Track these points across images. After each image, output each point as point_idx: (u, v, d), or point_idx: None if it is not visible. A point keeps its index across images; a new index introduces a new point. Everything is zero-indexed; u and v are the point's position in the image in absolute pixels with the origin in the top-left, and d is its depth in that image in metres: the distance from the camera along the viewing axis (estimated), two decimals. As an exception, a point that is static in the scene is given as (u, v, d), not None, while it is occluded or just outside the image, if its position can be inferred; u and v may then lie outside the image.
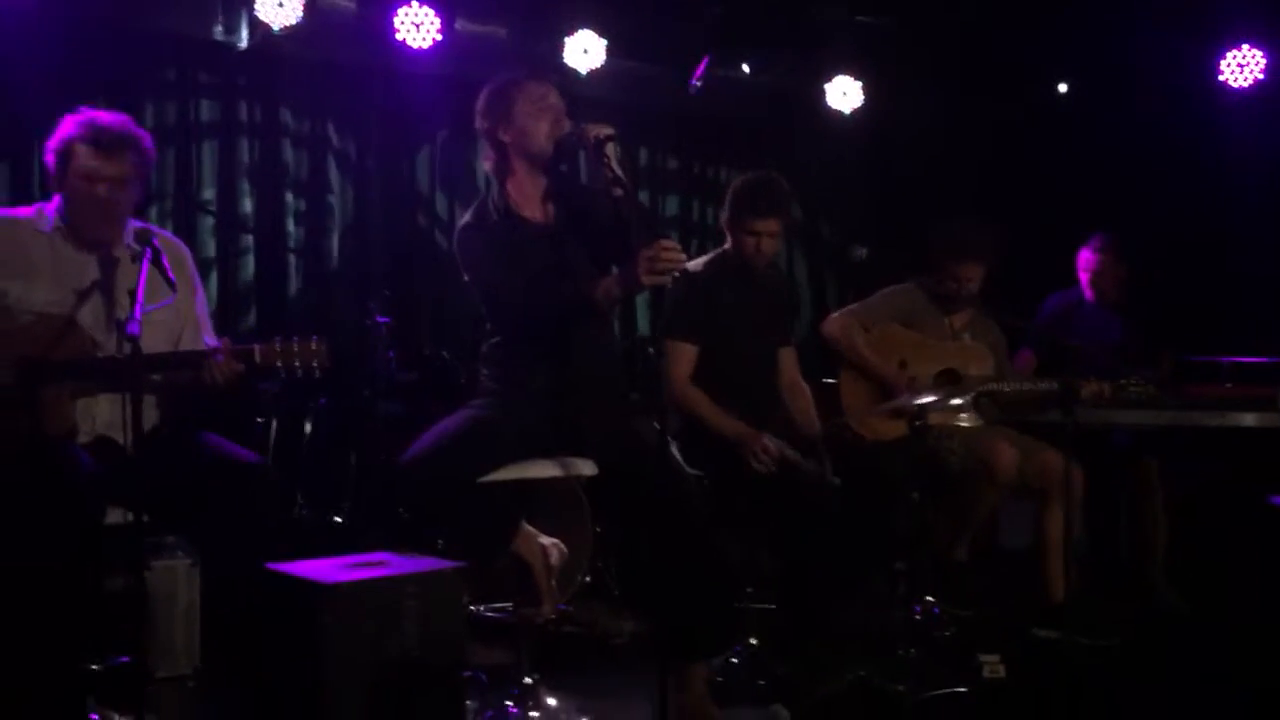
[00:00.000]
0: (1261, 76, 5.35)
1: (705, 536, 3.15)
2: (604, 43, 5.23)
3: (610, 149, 2.97)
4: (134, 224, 3.21)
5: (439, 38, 4.87)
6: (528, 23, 5.21)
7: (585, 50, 5.21)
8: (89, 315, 3.11)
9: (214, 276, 4.98)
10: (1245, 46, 5.35)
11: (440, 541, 3.58)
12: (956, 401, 4.29)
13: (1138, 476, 4.77)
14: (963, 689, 3.45)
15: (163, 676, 3.25)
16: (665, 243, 2.80)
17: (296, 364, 3.02)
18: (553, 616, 3.78)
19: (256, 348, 3.04)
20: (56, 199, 3.19)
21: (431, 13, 4.84)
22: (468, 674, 3.21)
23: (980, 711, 3.43)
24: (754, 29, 5.66)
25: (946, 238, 4.33)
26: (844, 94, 5.87)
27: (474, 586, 3.35)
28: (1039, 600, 4.27)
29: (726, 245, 4.01)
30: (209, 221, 4.98)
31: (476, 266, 3.21)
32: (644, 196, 6.11)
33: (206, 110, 5.02)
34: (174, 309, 3.13)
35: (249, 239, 5.08)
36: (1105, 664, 3.86)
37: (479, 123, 3.24)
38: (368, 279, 5.32)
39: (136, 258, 2.91)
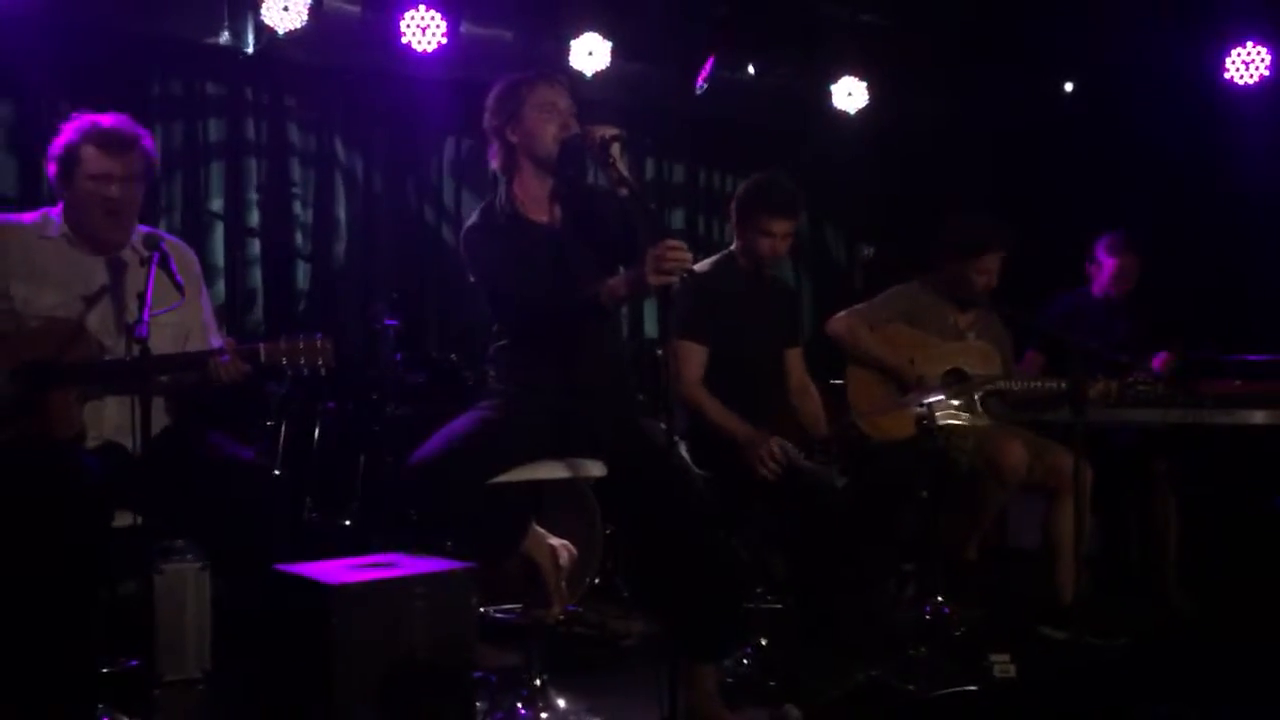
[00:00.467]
0: (1267, 73, 5.34)
1: (714, 537, 3.14)
2: (609, 45, 5.23)
3: (616, 150, 2.97)
4: (142, 229, 3.22)
5: (444, 41, 4.88)
6: (533, 25, 5.22)
7: (590, 53, 5.22)
8: (96, 320, 3.12)
9: (222, 280, 4.99)
10: (1249, 44, 5.34)
11: (449, 543, 3.57)
12: (964, 400, 4.30)
13: (1147, 476, 4.75)
14: (973, 688, 3.44)
15: (172, 679, 3.26)
16: (672, 242, 2.79)
17: (302, 362, 3.02)
18: (562, 618, 3.78)
19: (262, 346, 3.04)
20: (60, 205, 3.20)
21: (438, 16, 4.85)
22: (477, 675, 3.21)
23: (991, 711, 3.42)
24: (759, 30, 5.66)
25: (964, 232, 4.33)
26: (849, 94, 5.87)
27: (483, 588, 3.35)
28: (1049, 600, 4.26)
29: (734, 247, 4.00)
30: (216, 226, 5.00)
31: (483, 268, 3.21)
32: (649, 197, 6.12)
33: (213, 115, 5.04)
34: (182, 313, 3.14)
35: (256, 242, 5.09)
36: (1116, 664, 3.85)
37: (488, 120, 3.24)
38: (375, 282, 5.34)
39: (144, 262, 2.92)
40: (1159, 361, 4.46)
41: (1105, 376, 4.10)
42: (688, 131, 6.23)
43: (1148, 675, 3.79)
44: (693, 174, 6.41)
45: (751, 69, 5.82)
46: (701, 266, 3.88)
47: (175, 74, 4.94)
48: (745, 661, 3.67)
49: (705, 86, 5.49)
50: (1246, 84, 5.38)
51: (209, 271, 4.82)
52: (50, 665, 2.82)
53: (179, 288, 2.95)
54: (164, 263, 2.90)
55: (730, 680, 3.55)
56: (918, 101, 6.14)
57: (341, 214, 5.35)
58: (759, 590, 3.89)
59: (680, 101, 5.64)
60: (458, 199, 5.64)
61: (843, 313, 4.48)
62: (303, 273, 5.24)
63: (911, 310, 4.43)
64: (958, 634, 4.11)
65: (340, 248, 5.34)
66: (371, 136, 5.44)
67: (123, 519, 2.90)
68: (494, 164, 3.29)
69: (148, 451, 2.69)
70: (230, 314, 5.00)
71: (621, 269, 3.06)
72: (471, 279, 3.25)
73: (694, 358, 3.79)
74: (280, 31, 4.59)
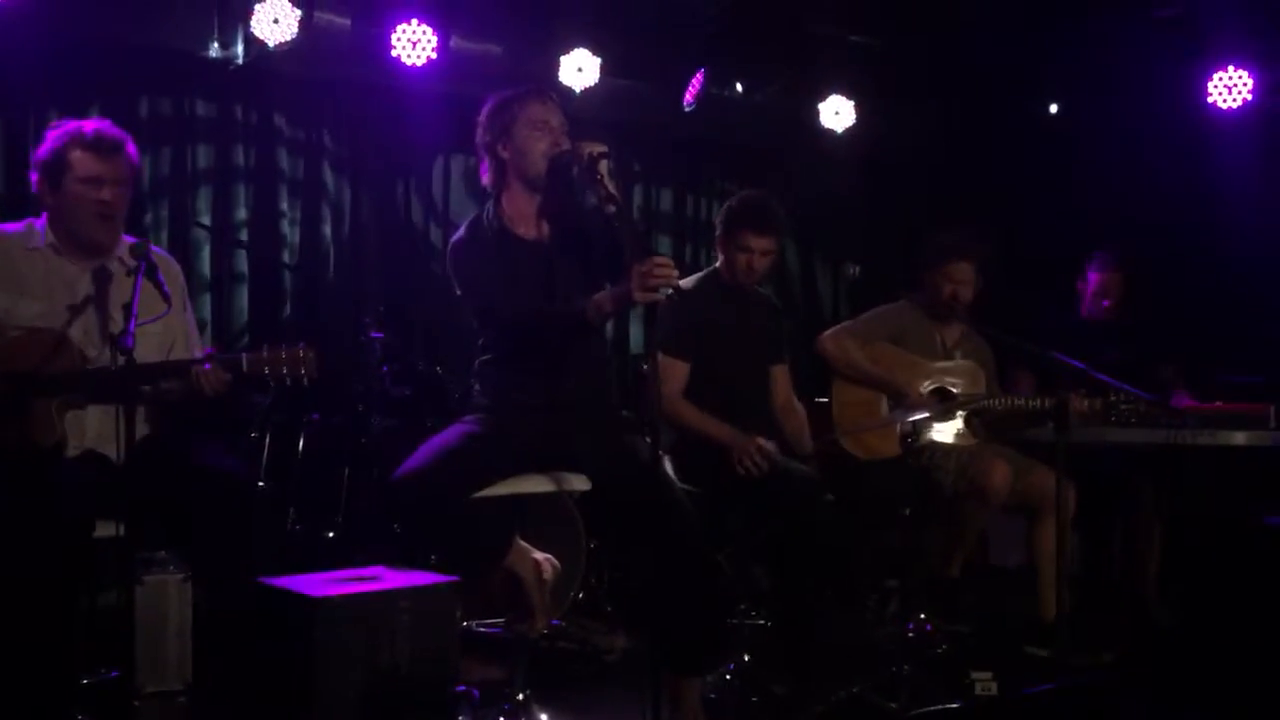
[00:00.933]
0: (1250, 98, 5.39)
1: (698, 552, 3.15)
2: (598, 61, 5.25)
3: (604, 166, 2.99)
4: (128, 239, 3.22)
5: (434, 56, 4.89)
6: (523, 41, 5.23)
7: (580, 69, 5.23)
8: (80, 330, 3.11)
9: (208, 292, 4.98)
10: (1231, 68, 5.39)
11: (434, 556, 3.57)
12: (948, 420, 4.32)
13: (1130, 495, 4.77)
14: (955, 705, 3.45)
15: (153, 691, 3.24)
16: (658, 259, 2.81)
17: (284, 371, 3.02)
18: (545, 632, 3.78)
19: (244, 356, 3.04)
20: (45, 216, 3.19)
21: (429, 30, 4.86)
22: (460, 689, 3.21)
23: (973, 728, 3.43)
24: (747, 48, 5.69)
25: (933, 242, 4.40)
26: (837, 113, 5.90)
27: (467, 602, 3.34)
28: (1031, 618, 4.28)
29: (718, 263, 4.03)
30: (204, 237, 4.99)
31: (470, 282, 3.22)
32: (637, 214, 6.13)
33: (202, 126, 5.04)
34: (167, 323, 3.14)
35: (243, 254, 5.09)
36: (1098, 682, 3.85)
37: (480, 136, 3.26)
38: (362, 295, 5.33)
39: (131, 272, 2.92)
40: (1181, 403, 4.48)
41: (1088, 394, 4.12)
42: (675, 148, 6.25)
43: (1130, 693, 3.80)
44: (679, 191, 6.43)
45: (740, 87, 5.84)
46: (686, 283, 3.89)
47: (164, 85, 4.93)
48: (728, 677, 3.67)
49: (694, 104, 5.51)
50: (1230, 108, 5.43)
51: (196, 283, 4.82)
52: (29, 676, 2.80)
53: (165, 297, 2.95)
54: (151, 272, 2.90)
55: (713, 696, 3.55)
56: (905, 121, 6.17)
57: (329, 226, 5.35)
58: (743, 606, 3.89)
59: (668, 118, 5.65)
60: (446, 212, 5.64)
61: (832, 330, 4.51)
62: (290, 285, 5.23)
63: (899, 329, 4.46)
64: (940, 651, 4.12)
65: (328, 260, 5.34)
66: (360, 149, 5.44)
67: (105, 529, 2.88)
68: (485, 180, 3.30)
69: (130, 461, 2.68)
70: (217, 326, 4.99)
71: (608, 285, 3.07)
72: (458, 293, 3.26)
73: (675, 373, 3.81)
74: (270, 44, 4.59)
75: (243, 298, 5.08)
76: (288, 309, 5.20)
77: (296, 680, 2.89)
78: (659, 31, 5.52)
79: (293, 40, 4.59)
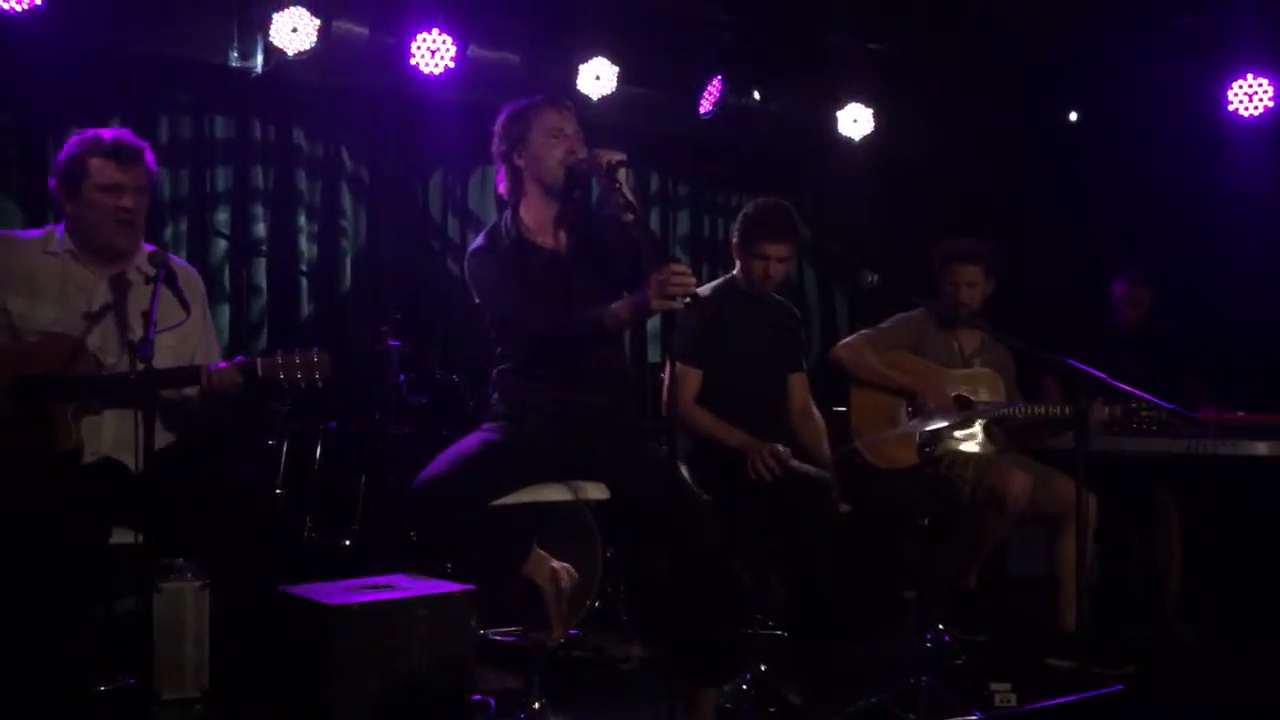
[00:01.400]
0: (1271, 105, 5.36)
1: (715, 561, 3.14)
2: (616, 69, 5.25)
3: (622, 175, 2.99)
4: (147, 247, 3.23)
5: (452, 65, 4.90)
6: (541, 49, 5.23)
7: (598, 77, 5.24)
8: (97, 337, 3.12)
9: (227, 300, 5.00)
10: (1250, 75, 5.36)
11: (451, 564, 3.57)
12: (967, 428, 4.30)
13: (1151, 505, 4.74)
14: (974, 717, 3.42)
15: (170, 698, 3.25)
16: (676, 267, 2.81)
17: (298, 375, 3.02)
18: (561, 640, 3.77)
19: (259, 361, 3.04)
20: (63, 223, 3.21)
21: (448, 39, 4.87)
22: (476, 698, 3.21)
23: (992, 741, 3.40)
24: (765, 57, 5.69)
25: (943, 246, 4.41)
26: (855, 121, 5.89)
27: (484, 610, 3.34)
28: (1052, 629, 4.25)
29: (735, 270, 4.02)
30: (222, 246, 5.01)
31: (487, 291, 3.22)
32: (655, 222, 6.13)
33: (221, 135, 5.06)
34: (186, 332, 3.14)
35: (262, 263, 5.10)
36: (1119, 695, 3.82)
37: (495, 146, 3.26)
38: (380, 303, 5.34)
39: (149, 280, 2.93)
40: (1210, 415, 4.45)
41: (1108, 402, 4.10)
42: (693, 156, 6.25)
43: (1151, 707, 3.76)
44: (697, 198, 6.43)
45: (758, 95, 5.84)
46: (703, 290, 3.89)
47: (184, 94, 4.96)
48: (744, 687, 3.65)
49: (712, 111, 5.51)
50: (1251, 116, 5.40)
51: (213, 289, 4.84)
52: (46, 683, 2.80)
53: (184, 305, 2.95)
54: (170, 280, 2.91)
55: (729, 706, 3.54)
56: (923, 129, 6.16)
57: (347, 235, 5.37)
58: (759, 615, 3.87)
59: (686, 126, 5.65)
60: (463, 221, 5.65)
61: (848, 338, 4.50)
62: (308, 293, 5.24)
63: (917, 337, 4.44)
64: (959, 662, 4.10)
65: (345, 268, 5.35)
66: (378, 157, 5.46)
67: (123, 536, 2.89)
68: (500, 189, 3.30)
69: (148, 468, 2.68)
70: (235, 334, 5.01)
71: (625, 293, 3.07)
72: (476, 301, 3.26)
73: (688, 380, 3.81)
74: (290, 53, 4.61)
75: (261, 307, 5.10)
76: (305, 317, 5.21)
77: (312, 688, 2.89)
78: (677, 40, 5.52)
79: (311, 49, 4.61)
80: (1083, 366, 3.48)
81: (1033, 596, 4.51)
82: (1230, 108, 5.41)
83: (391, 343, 4.60)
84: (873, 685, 3.60)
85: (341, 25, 4.79)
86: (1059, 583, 4.26)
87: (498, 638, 3.94)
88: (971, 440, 4.33)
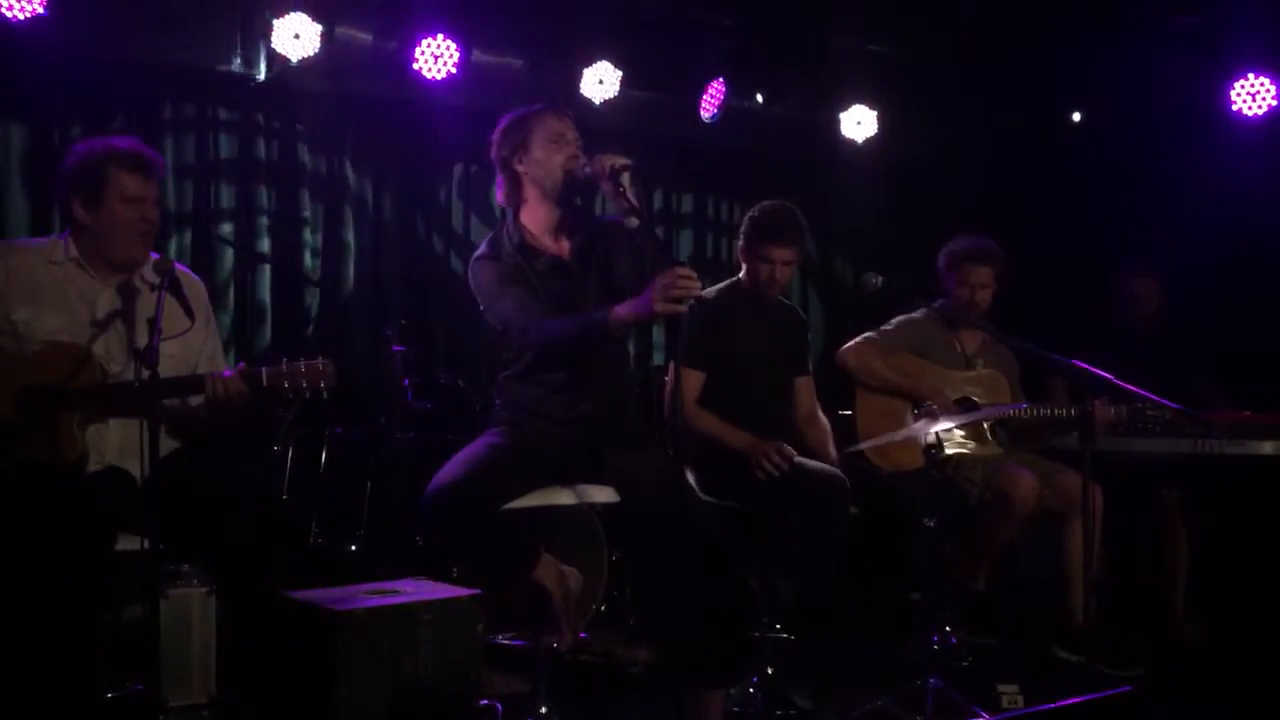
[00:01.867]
0: (1274, 104, 5.36)
1: (721, 564, 3.13)
2: (619, 73, 5.26)
3: (626, 179, 2.99)
4: (152, 255, 3.23)
5: (455, 70, 4.90)
6: (544, 54, 5.24)
7: (601, 81, 5.24)
8: (102, 345, 3.12)
9: (230, 307, 5.01)
10: (1252, 75, 5.36)
11: (460, 569, 3.57)
12: (972, 429, 4.30)
13: (1157, 506, 4.73)
14: (982, 719, 3.42)
15: (177, 705, 3.25)
16: (681, 270, 2.80)
17: (304, 385, 3.02)
18: (570, 645, 3.77)
19: (264, 370, 3.04)
20: (68, 231, 3.20)
21: (452, 45, 4.87)
22: (483, 702, 3.21)
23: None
24: (769, 59, 5.69)
25: (953, 247, 4.42)
26: (859, 123, 5.89)
27: (490, 615, 3.34)
28: (1060, 622, 4.24)
29: (740, 274, 4.02)
30: (227, 252, 5.02)
31: (491, 297, 3.22)
32: (658, 226, 6.13)
33: (224, 142, 5.07)
34: (191, 341, 3.15)
35: (266, 268, 5.11)
36: (1127, 695, 3.81)
37: (495, 152, 3.26)
38: (384, 308, 5.35)
39: (155, 288, 2.93)
40: (1220, 416, 4.45)
41: (1113, 402, 4.09)
42: (697, 159, 6.25)
43: (1158, 707, 3.75)
44: (701, 202, 6.43)
45: (761, 97, 5.84)
46: (708, 293, 3.89)
47: (187, 100, 4.97)
48: (751, 690, 3.65)
49: (715, 114, 5.51)
50: (1255, 115, 5.39)
51: (217, 296, 4.85)
52: (54, 690, 2.81)
53: (189, 313, 2.96)
54: (175, 288, 2.91)
55: (736, 709, 3.54)
56: (926, 130, 6.15)
57: (351, 240, 5.37)
58: (766, 619, 3.87)
59: (689, 130, 5.65)
60: (467, 226, 5.66)
61: (853, 341, 4.49)
62: (312, 299, 5.25)
63: (921, 339, 4.44)
64: (966, 664, 4.09)
65: (349, 274, 5.36)
66: (381, 163, 5.47)
67: (129, 543, 2.90)
68: (499, 197, 3.30)
69: (154, 476, 2.69)
70: (239, 340, 5.01)
71: (629, 298, 3.07)
72: (480, 307, 3.26)
73: (691, 383, 3.82)
74: (293, 60, 4.61)
75: (265, 313, 5.10)
76: (310, 323, 5.22)
77: (320, 694, 2.89)
78: (680, 43, 5.52)
79: (314, 55, 4.61)
80: (1088, 367, 3.47)
81: (1041, 598, 4.51)
82: (1233, 107, 5.41)
83: (395, 348, 4.60)
84: (880, 687, 3.60)
85: (344, 31, 4.80)
86: (1067, 577, 4.26)
87: (504, 642, 3.94)
88: (977, 442, 4.33)
